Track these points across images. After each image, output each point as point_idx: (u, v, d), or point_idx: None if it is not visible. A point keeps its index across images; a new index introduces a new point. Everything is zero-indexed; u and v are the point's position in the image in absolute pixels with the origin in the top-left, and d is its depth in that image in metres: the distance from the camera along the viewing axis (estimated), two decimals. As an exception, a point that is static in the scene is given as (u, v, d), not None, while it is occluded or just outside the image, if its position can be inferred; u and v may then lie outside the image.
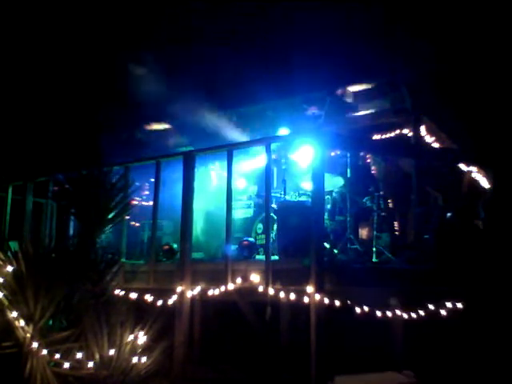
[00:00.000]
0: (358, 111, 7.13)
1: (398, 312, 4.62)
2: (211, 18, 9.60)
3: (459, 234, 5.42)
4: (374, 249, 5.85)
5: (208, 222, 6.99)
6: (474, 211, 5.84)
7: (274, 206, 6.07)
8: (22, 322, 4.01)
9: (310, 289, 4.32)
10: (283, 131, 7.09)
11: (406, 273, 5.02)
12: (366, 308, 4.47)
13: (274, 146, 5.22)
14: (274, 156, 6.19)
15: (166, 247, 6.18)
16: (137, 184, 5.96)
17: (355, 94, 7.19)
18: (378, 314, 4.53)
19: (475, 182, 6.41)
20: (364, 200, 6.36)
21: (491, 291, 4.94)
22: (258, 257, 5.63)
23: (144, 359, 4.10)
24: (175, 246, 6.03)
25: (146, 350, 4.16)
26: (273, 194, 6.25)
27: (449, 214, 6.01)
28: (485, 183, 6.50)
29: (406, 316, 4.66)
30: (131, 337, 4.12)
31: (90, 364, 3.90)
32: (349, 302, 4.43)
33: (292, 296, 4.50)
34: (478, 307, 4.83)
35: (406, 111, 6.76)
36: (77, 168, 4.76)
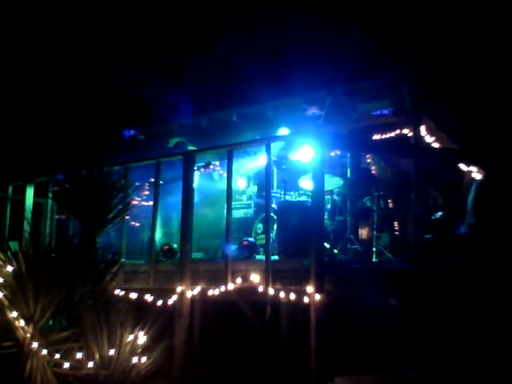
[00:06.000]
0: (358, 111, 7.13)
1: (397, 312, 4.63)
2: (211, 18, 9.61)
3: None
4: (374, 249, 5.85)
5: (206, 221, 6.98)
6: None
7: (274, 205, 6.07)
8: (22, 322, 4.01)
9: (309, 289, 4.31)
10: (283, 131, 7.09)
11: (405, 273, 5.02)
12: (365, 308, 4.47)
13: (274, 146, 5.22)
14: (274, 158, 6.20)
15: (166, 247, 6.18)
16: (137, 184, 5.96)
17: (355, 94, 7.19)
18: (378, 313, 4.54)
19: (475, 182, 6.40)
20: (364, 200, 6.36)
21: (489, 291, 4.94)
22: (258, 257, 5.63)
23: (144, 359, 4.10)
24: (175, 246, 6.03)
25: (146, 350, 4.16)
26: (273, 194, 6.25)
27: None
28: (484, 183, 6.50)
29: (405, 316, 4.67)
30: (131, 337, 4.12)
31: (90, 364, 3.90)
32: (349, 301, 4.43)
33: (292, 296, 4.49)
34: (477, 307, 4.83)
35: (406, 111, 6.75)
36: (77, 168, 4.76)
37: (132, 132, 7.54)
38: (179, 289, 5.03)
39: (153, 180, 6.00)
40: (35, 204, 6.40)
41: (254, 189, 7.17)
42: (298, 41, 9.18)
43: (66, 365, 3.87)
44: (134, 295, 4.95)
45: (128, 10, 9.40)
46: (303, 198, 6.33)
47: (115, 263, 4.50)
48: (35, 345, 3.90)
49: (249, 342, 5.53)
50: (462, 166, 6.21)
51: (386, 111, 6.89)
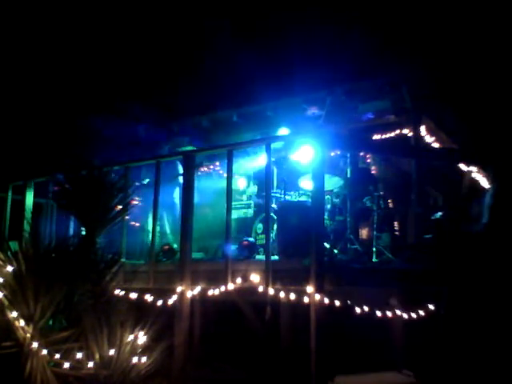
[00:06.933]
0: (358, 111, 7.13)
1: (397, 312, 4.62)
2: (211, 18, 9.61)
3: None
4: (374, 249, 5.85)
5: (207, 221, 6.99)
6: (466, 210, 5.84)
7: (274, 205, 6.06)
8: (22, 322, 4.00)
9: (309, 289, 4.32)
10: (283, 131, 7.09)
11: (405, 273, 5.01)
12: (365, 308, 4.47)
13: (274, 146, 5.22)
14: (273, 158, 6.22)
15: (166, 247, 6.18)
16: (137, 184, 5.98)
17: (355, 93, 7.18)
18: (378, 313, 4.53)
19: (475, 182, 6.40)
20: (364, 200, 6.36)
21: (488, 290, 4.93)
22: (258, 257, 5.63)
23: (144, 359, 4.10)
24: (175, 246, 6.03)
25: (146, 350, 4.16)
26: (273, 194, 6.25)
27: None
28: (485, 183, 6.49)
29: (406, 316, 4.66)
30: (131, 337, 4.12)
31: (90, 364, 3.90)
32: (349, 302, 4.43)
33: (292, 296, 4.50)
34: (476, 306, 4.82)
35: (406, 111, 6.75)
36: (77, 168, 4.76)
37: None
38: (179, 289, 5.03)
39: (146, 181, 6.06)
40: (35, 204, 6.40)
41: (253, 189, 7.17)
42: (298, 41, 9.19)
43: (66, 365, 3.87)
44: (134, 295, 4.95)
45: (128, 8, 9.40)
46: (303, 198, 6.33)
47: (115, 263, 4.50)
48: (35, 345, 3.90)
49: (249, 342, 5.53)
50: (462, 166, 6.20)
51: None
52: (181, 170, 6.92)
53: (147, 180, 6.57)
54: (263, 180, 5.12)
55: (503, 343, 4.61)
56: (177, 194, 6.97)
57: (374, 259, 5.79)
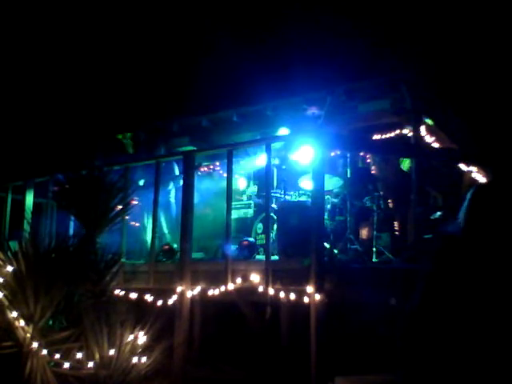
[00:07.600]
0: (358, 111, 7.12)
1: (397, 312, 4.62)
2: (211, 17, 9.61)
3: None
4: (374, 249, 5.85)
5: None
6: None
7: (274, 205, 6.06)
8: (22, 322, 4.01)
9: (309, 289, 4.31)
10: (283, 131, 7.08)
11: (405, 273, 5.01)
12: (365, 308, 4.47)
13: (274, 146, 5.21)
14: (275, 161, 6.22)
15: (166, 247, 6.18)
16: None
17: (355, 93, 7.18)
18: (378, 314, 4.53)
19: (475, 182, 6.40)
20: (364, 200, 6.36)
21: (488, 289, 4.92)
22: (258, 257, 5.63)
23: (144, 359, 4.10)
24: (175, 245, 6.03)
25: (146, 350, 4.16)
26: (273, 194, 6.25)
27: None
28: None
29: (405, 316, 4.66)
30: (131, 337, 4.12)
31: (90, 364, 3.90)
32: (349, 302, 4.43)
33: (292, 296, 4.49)
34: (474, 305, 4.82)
35: (406, 111, 6.75)
36: (77, 168, 4.77)
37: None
38: (179, 289, 5.02)
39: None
40: (35, 204, 6.40)
41: (253, 189, 7.17)
42: (298, 40, 9.19)
43: (66, 365, 3.87)
44: (134, 295, 4.95)
45: (129, 8, 9.41)
46: (303, 198, 6.33)
47: (115, 263, 4.50)
48: (35, 345, 3.90)
49: (249, 342, 5.53)
50: (462, 166, 6.20)
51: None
52: (177, 171, 6.93)
53: (142, 181, 6.58)
54: (263, 180, 5.12)
55: (502, 344, 4.60)
56: (173, 194, 6.97)
57: (374, 259, 5.79)
